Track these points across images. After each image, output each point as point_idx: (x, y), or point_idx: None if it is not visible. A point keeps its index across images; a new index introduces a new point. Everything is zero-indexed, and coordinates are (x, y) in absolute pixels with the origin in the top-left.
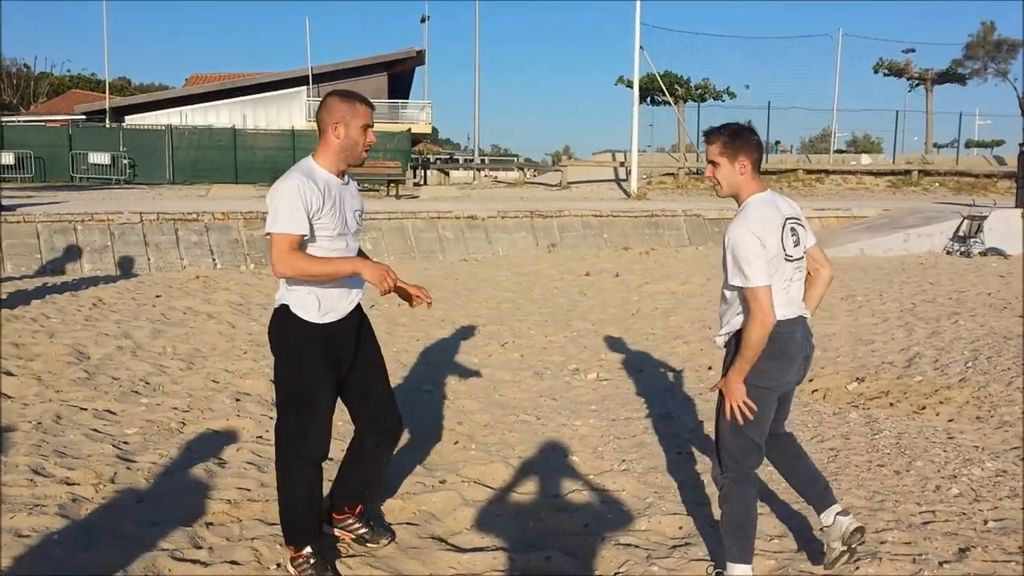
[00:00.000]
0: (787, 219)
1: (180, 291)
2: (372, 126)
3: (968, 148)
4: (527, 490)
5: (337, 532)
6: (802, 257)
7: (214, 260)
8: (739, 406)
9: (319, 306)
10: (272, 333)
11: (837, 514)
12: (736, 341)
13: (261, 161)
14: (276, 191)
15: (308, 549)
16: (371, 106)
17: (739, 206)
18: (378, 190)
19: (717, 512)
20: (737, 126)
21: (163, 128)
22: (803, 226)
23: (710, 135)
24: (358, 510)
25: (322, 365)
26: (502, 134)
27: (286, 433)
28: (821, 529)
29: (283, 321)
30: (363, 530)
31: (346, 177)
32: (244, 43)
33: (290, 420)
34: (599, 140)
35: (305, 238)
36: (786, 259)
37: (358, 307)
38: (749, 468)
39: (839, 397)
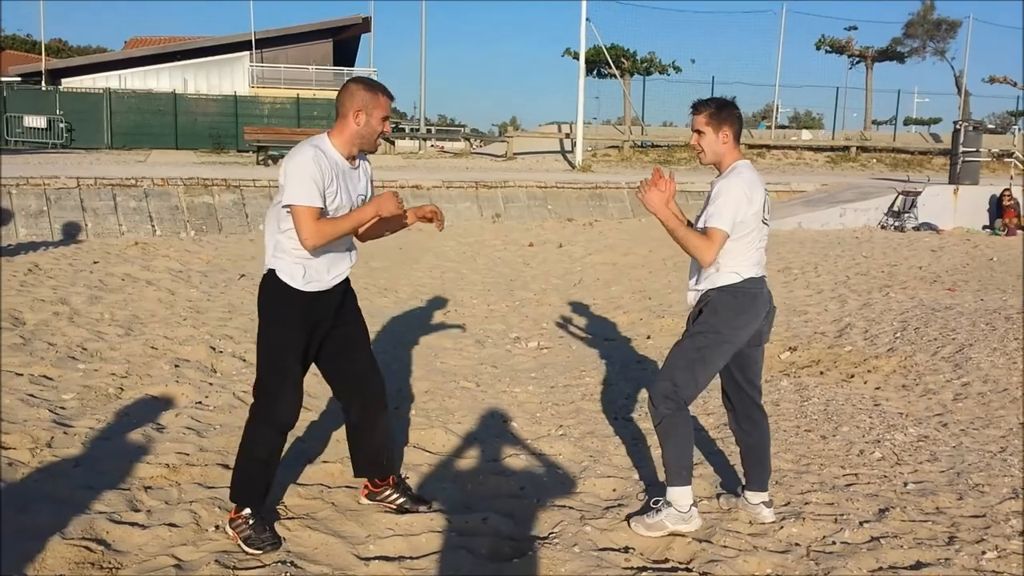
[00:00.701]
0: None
1: (118, 257)
2: (389, 117)
3: (906, 125)
4: (466, 455)
5: (376, 503)
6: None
7: (153, 227)
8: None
9: (304, 274)
10: (259, 297)
11: (762, 503)
12: (707, 300)
13: (203, 127)
14: (293, 162)
15: (247, 511)
16: (391, 97)
17: (721, 172)
18: None
19: (658, 464)
20: (723, 100)
21: (101, 92)
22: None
23: (698, 106)
24: (391, 480)
25: (298, 332)
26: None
27: (259, 395)
28: (739, 494)
29: (268, 286)
30: (401, 499)
31: (357, 160)
32: (186, 6)
33: (263, 383)
34: (546, 112)
35: (322, 212)
36: (763, 222)
37: (344, 281)
38: (686, 399)
39: (772, 366)
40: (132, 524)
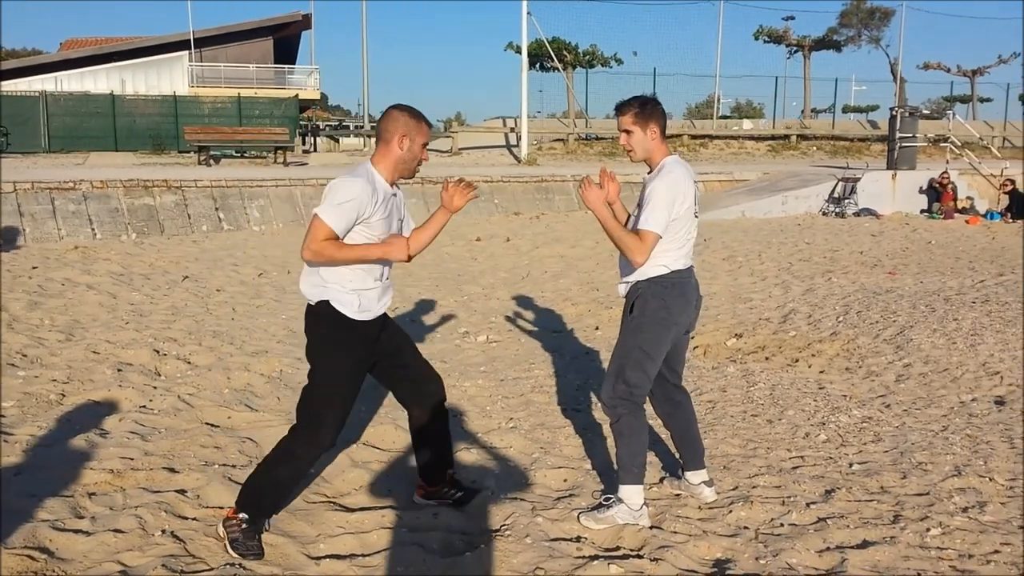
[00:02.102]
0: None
1: (58, 262)
2: (428, 144)
3: (844, 113)
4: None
5: (436, 501)
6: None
7: (93, 230)
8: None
9: (359, 304)
10: (314, 327)
11: (703, 482)
12: (637, 292)
13: (142, 128)
14: (343, 185)
15: (245, 515)
16: (431, 125)
17: (652, 169)
18: (265, 157)
19: (608, 453)
20: (645, 97)
21: (37, 95)
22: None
23: (622, 107)
24: (450, 477)
25: (357, 358)
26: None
27: (305, 419)
28: (679, 476)
29: (323, 316)
30: (459, 494)
31: (395, 188)
32: (122, 6)
33: (315, 408)
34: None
35: (338, 239)
36: (695, 215)
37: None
38: (640, 397)
39: (718, 353)
40: (76, 531)
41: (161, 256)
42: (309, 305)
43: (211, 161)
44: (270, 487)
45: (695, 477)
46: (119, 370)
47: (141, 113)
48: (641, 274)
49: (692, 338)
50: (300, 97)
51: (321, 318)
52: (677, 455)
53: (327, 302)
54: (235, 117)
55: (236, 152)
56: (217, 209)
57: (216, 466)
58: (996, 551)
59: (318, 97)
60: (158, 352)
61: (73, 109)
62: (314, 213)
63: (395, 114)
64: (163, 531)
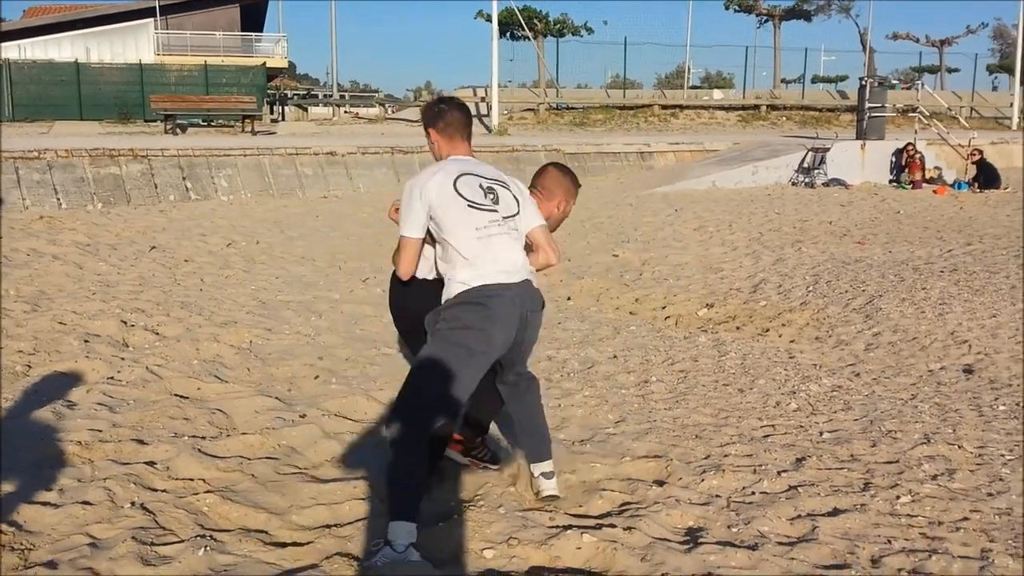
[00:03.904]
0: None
1: (23, 232)
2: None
3: (814, 83)
4: None
5: (469, 460)
6: (504, 216)
7: (59, 200)
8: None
9: None
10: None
11: (542, 474)
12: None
13: (108, 96)
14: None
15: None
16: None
17: None
18: (232, 126)
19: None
20: (428, 103)
21: (0, 63)
22: (504, 187)
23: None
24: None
25: None
26: (362, 70)
27: None
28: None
29: None
30: (489, 455)
31: None
32: None
33: None
34: (460, 76)
35: None
36: (475, 206)
37: None
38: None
39: (690, 323)
40: (44, 504)
41: (128, 226)
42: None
43: (178, 130)
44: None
45: (535, 469)
46: (86, 341)
47: (106, 81)
48: (446, 294)
49: (664, 308)
50: (268, 66)
51: None
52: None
53: None
54: (202, 85)
55: (203, 121)
56: (184, 178)
57: (186, 438)
58: (965, 518)
59: (286, 66)
60: (125, 323)
61: (37, 77)
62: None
63: (559, 178)
64: (132, 503)
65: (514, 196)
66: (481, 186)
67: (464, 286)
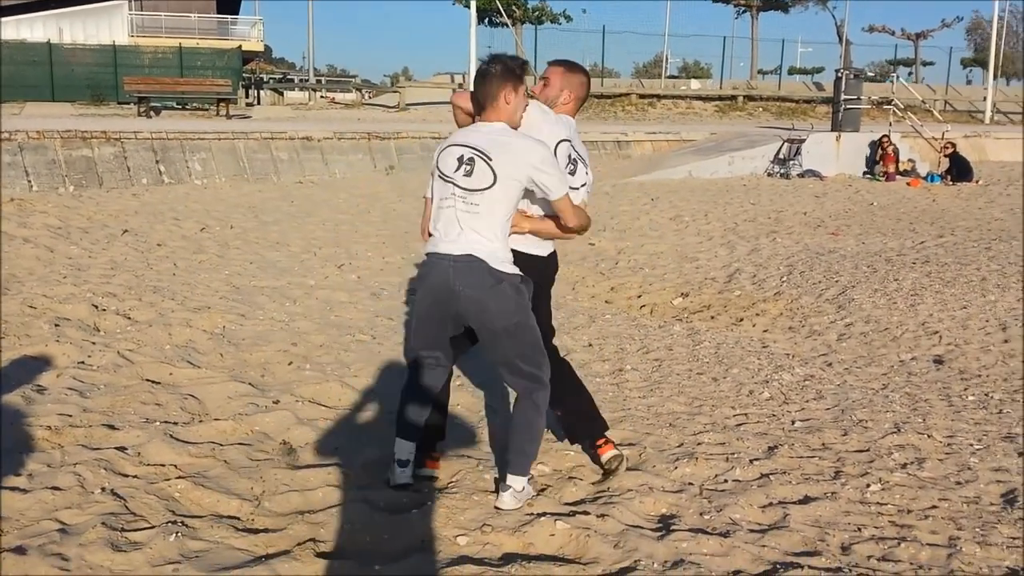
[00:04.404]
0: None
1: None
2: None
3: (790, 75)
4: (363, 408)
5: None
6: (467, 188)
7: (29, 182)
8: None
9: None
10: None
11: (502, 485)
12: None
13: (80, 78)
14: (550, 152)
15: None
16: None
17: None
18: (207, 109)
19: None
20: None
21: None
22: (485, 159)
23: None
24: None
25: None
26: (339, 54)
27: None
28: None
29: (520, 285)
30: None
31: None
32: None
33: (543, 357)
34: (438, 62)
35: None
36: (444, 178)
37: None
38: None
39: (665, 312)
40: (12, 489)
41: (100, 209)
42: (506, 275)
43: (151, 113)
44: (538, 444)
45: (503, 484)
46: (56, 325)
47: (79, 63)
48: None
49: (639, 296)
50: (243, 49)
51: (519, 286)
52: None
53: (519, 274)
54: (176, 68)
55: (177, 104)
56: (158, 162)
57: (157, 423)
58: (934, 506)
59: (262, 49)
60: (97, 307)
61: (9, 58)
62: (565, 194)
63: (558, 69)
64: (103, 489)
65: (492, 169)
66: (461, 157)
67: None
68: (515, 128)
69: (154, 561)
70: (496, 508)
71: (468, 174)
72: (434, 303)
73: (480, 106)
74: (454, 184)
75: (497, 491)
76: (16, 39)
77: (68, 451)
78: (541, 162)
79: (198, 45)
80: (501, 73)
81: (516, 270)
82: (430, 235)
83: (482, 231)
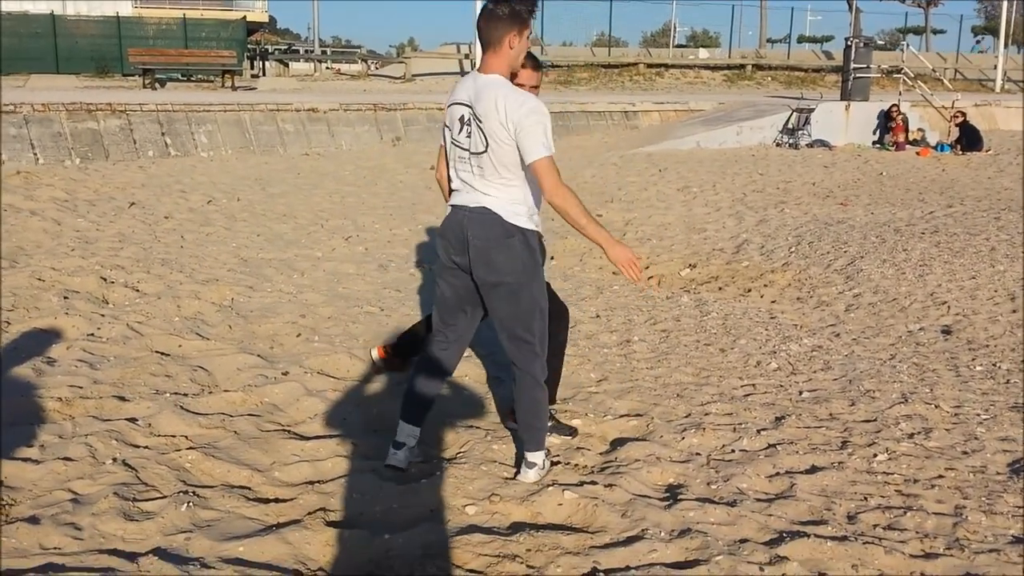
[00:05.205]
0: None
1: None
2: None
3: (800, 43)
4: (371, 379)
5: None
6: (472, 152)
7: (36, 155)
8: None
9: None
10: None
11: (524, 461)
12: None
13: (85, 50)
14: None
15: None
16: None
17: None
18: (212, 81)
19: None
20: None
21: None
22: (477, 122)
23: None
24: None
25: None
26: (344, 25)
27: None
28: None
29: (531, 244)
30: None
31: None
32: None
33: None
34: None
35: None
36: (454, 143)
37: None
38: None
39: (672, 283)
40: (25, 460)
41: (106, 182)
42: (519, 230)
43: (156, 84)
44: (546, 416)
45: (524, 454)
46: (65, 298)
47: (83, 34)
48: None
49: (647, 268)
50: (248, 19)
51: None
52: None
53: (535, 230)
54: (180, 39)
55: (182, 75)
56: (164, 134)
57: (167, 395)
58: (940, 476)
59: (266, 20)
60: (105, 280)
61: (12, 30)
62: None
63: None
64: (114, 459)
65: (484, 133)
66: (462, 117)
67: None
68: (514, 73)
69: (166, 530)
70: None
71: (468, 136)
72: (448, 257)
73: (483, 45)
74: (459, 146)
75: (518, 468)
76: (19, 11)
77: (79, 422)
78: (525, 122)
79: (202, 16)
80: (509, 16)
81: (533, 225)
82: (451, 189)
83: (492, 190)
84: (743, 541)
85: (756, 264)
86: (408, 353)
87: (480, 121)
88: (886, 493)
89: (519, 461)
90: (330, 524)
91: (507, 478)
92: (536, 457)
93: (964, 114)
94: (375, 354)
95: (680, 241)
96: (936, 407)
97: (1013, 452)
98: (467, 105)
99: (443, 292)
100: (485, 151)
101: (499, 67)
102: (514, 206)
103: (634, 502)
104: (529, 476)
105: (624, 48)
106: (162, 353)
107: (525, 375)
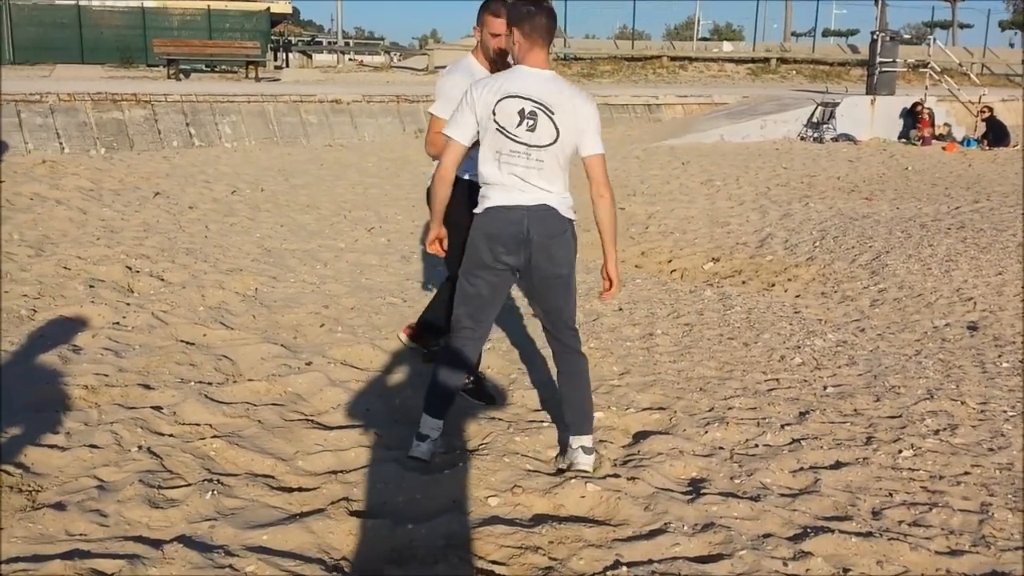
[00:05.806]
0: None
1: (25, 176)
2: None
3: (825, 37)
4: (394, 370)
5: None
6: (532, 145)
7: (61, 144)
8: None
9: None
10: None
11: (581, 447)
12: None
13: (110, 40)
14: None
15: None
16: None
17: None
18: (236, 72)
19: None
20: None
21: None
22: (547, 113)
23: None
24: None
25: None
26: (367, 17)
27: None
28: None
29: (575, 233)
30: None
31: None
32: None
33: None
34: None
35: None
36: (502, 132)
37: None
38: (456, 329)
39: (696, 276)
40: (51, 447)
41: (131, 172)
42: (570, 222)
43: (181, 75)
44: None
45: (575, 442)
46: (91, 286)
47: (108, 25)
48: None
49: (670, 261)
50: (271, 11)
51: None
52: (565, 419)
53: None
54: (205, 30)
55: (206, 66)
56: (188, 124)
57: (192, 383)
58: (966, 472)
59: (290, 11)
60: (130, 269)
61: (38, 19)
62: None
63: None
64: (139, 447)
65: (555, 125)
66: (522, 111)
67: (481, 207)
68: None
69: (191, 518)
70: (580, 471)
71: (532, 129)
72: (494, 258)
73: (536, 41)
74: (515, 140)
75: (562, 452)
76: (46, 1)
77: (105, 410)
78: (592, 116)
79: (226, 7)
80: (554, 18)
81: (575, 217)
82: (481, 193)
83: (548, 185)
84: (767, 536)
85: (780, 258)
86: (433, 329)
87: (552, 113)
88: (911, 489)
89: (564, 447)
90: (353, 514)
91: (529, 470)
92: (590, 440)
93: (991, 109)
94: (403, 337)
95: (703, 235)
96: (962, 403)
97: None
98: (529, 99)
99: (479, 291)
100: (554, 143)
101: (548, 63)
102: (566, 199)
103: (657, 495)
104: (588, 462)
105: (647, 41)
106: (187, 342)
107: (578, 356)
